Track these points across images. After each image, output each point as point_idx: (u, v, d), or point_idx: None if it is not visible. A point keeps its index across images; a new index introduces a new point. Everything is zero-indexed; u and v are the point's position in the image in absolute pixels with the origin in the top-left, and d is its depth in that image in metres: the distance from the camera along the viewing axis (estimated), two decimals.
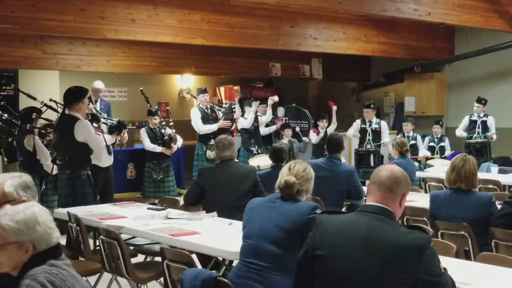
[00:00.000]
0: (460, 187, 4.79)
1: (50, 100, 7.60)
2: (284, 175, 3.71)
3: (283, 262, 3.48)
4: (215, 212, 5.14)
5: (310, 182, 3.78)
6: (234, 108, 9.86)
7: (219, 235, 4.43)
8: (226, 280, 3.34)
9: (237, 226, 4.65)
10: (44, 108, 7.60)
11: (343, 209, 6.31)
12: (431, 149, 10.76)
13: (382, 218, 2.77)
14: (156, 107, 9.96)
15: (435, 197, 4.98)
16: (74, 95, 6.36)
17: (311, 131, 11.57)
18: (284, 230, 3.55)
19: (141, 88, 9.32)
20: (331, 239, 2.82)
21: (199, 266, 4.23)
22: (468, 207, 4.74)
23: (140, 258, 5.53)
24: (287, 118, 12.23)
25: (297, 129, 11.91)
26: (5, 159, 7.94)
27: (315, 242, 2.87)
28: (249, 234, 3.66)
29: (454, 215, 4.77)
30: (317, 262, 2.84)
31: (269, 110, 10.81)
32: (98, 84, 9.12)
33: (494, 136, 10.18)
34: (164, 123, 9.31)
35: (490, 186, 7.27)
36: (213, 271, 4.40)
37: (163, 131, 9.23)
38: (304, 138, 11.80)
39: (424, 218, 5.30)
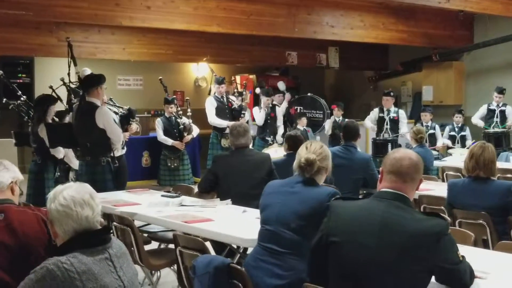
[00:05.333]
0: (478, 175, 4.69)
1: (62, 80, 7.57)
2: (303, 154, 3.66)
3: (301, 248, 3.43)
4: (229, 199, 5.09)
5: (328, 159, 3.74)
6: (244, 113, 9.78)
7: (233, 222, 4.38)
8: (239, 267, 3.30)
9: (251, 214, 4.61)
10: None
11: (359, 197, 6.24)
12: (451, 138, 10.60)
13: (399, 205, 2.72)
14: (174, 96, 9.93)
15: (453, 185, 4.89)
16: (92, 81, 6.41)
17: (326, 122, 11.47)
18: (302, 217, 3.50)
19: (160, 77, 9.29)
20: (346, 225, 2.76)
21: (213, 254, 4.18)
22: (487, 196, 4.65)
23: (153, 245, 5.51)
24: (301, 108, 12.14)
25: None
26: (14, 141, 7.95)
27: (329, 228, 2.82)
28: (267, 220, 3.61)
29: (473, 204, 4.69)
30: (332, 249, 2.78)
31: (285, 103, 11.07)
32: (87, 71, 9.02)
33: None
34: (181, 112, 9.26)
35: (509, 175, 7.16)
36: (228, 258, 4.37)
37: (179, 120, 9.20)
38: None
39: (442, 207, 5.20)
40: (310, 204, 3.51)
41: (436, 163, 8.31)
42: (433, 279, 2.69)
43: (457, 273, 2.67)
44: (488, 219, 4.59)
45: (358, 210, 2.80)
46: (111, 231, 3.04)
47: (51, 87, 7.67)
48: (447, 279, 2.70)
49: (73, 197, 2.49)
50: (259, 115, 10.37)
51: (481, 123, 10.37)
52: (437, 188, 5.96)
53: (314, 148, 3.69)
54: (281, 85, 11.88)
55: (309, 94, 12.39)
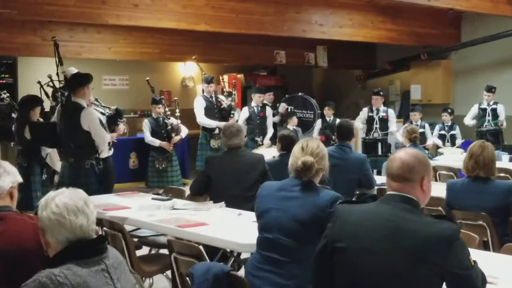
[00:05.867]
0: (478, 175, 4.61)
1: (49, 76, 7.38)
2: (299, 156, 3.46)
3: (302, 255, 3.29)
4: (223, 202, 4.96)
5: (325, 159, 3.55)
6: (234, 113, 9.63)
7: (229, 226, 4.26)
8: (239, 275, 3.16)
9: (246, 217, 4.49)
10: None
11: (354, 199, 6.13)
12: (442, 137, 10.57)
13: (407, 207, 2.59)
14: (162, 96, 9.78)
15: (452, 186, 4.80)
16: (79, 80, 6.26)
17: (317, 122, 11.39)
18: (302, 224, 3.34)
19: (147, 78, 9.14)
20: (352, 231, 2.63)
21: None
22: (487, 196, 4.58)
23: (144, 250, 5.36)
24: (292, 107, 12.03)
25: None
26: None
27: (334, 234, 2.69)
28: (265, 227, 3.46)
29: (472, 204, 4.61)
30: (338, 255, 2.65)
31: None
32: (73, 70, 8.84)
33: (504, 123, 10.04)
34: (169, 113, 9.11)
35: (502, 174, 7.07)
36: (221, 262, 4.24)
37: (166, 121, 9.05)
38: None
39: (439, 208, 5.10)
40: (311, 210, 3.34)
41: None
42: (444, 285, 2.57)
43: (469, 279, 2.54)
44: (489, 220, 4.51)
45: (364, 214, 2.67)
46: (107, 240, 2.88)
47: (39, 82, 7.49)
48: (458, 285, 2.57)
49: (66, 204, 2.33)
50: (242, 115, 10.23)
51: (473, 122, 10.33)
52: (433, 188, 5.83)
53: (311, 149, 3.49)
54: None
55: (300, 93, 12.28)
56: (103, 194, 5.92)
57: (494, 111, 10.13)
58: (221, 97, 9.75)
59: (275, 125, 11.09)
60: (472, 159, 4.64)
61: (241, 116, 10.11)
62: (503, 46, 11.50)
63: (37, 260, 2.70)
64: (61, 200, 2.33)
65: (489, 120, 10.10)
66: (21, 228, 2.82)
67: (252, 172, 5.24)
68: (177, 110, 9.17)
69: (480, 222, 4.52)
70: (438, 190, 5.57)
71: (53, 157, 7.19)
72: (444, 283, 2.55)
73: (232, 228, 4.21)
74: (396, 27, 11.33)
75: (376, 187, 6.02)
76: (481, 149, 4.63)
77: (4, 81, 10.85)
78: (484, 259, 3.25)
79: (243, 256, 4.51)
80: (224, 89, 10.45)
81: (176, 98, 9.64)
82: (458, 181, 4.92)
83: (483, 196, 4.58)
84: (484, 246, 4.48)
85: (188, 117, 9.93)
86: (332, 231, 2.71)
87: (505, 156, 8.68)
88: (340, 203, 2.85)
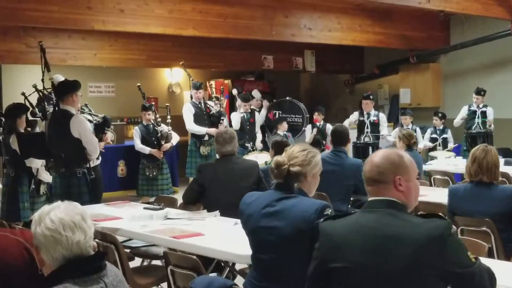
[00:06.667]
0: (481, 180, 4.48)
1: (34, 86, 7.18)
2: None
3: (297, 271, 3.06)
4: (217, 211, 4.80)
5: (308, 166, 3.24)
6: (223, 119, 9.48)
7: (226, 237, 4.10)
8: None
9: None
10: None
11: (349, 205, 5.99)
12: (433, 141, 10.52)
13: (391, 212, 2.45)
14: (153, 102, 9.62)
15: (455, 191, 4.66)
16: (66, 87, 6.10)
17: (307, 127, 11.29)
18: (290, 240, 3.11)
19: (138, 84, 8.98)
20: (340, 248, 2.46)
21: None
22: (491, 201, 4.44)
23: (136, 261, 5.18)
24: (280, 112, 11.91)
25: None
26: None
27: (323, 255, 2.51)
28: (257, 248, 3.26)
29: (476, 210, 4.47)
30: (333, 276, 2.47)
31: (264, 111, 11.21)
32: (60, 78, 8.64)
33: (492, 125, 9.98)
34: (160, 119, 8.93)
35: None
36: (215, 273, 4.09)
37: (157, 128, 8.88)
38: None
39: (440, 214, 4.96)
40: (296, 225, 3.08)
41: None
42: None
43: (473, 277, 2.36)
44: (493, 226, 4.37)
45: (349, 228, 2.49)
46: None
47: (23, 93, 7.29)
48: (463, 285, 2.39)
49: (62, 219, 2.15)
50: (235, 119, 10.13)
51: (461, 122, 10.28)
52: (430, 194, 5.73)
53: (291, 151, 3.26)
54: (256, 94, 11.63)
55: (288, 98, 12.16)
56: (92, 204, 5.76)
57: (483, 114, 10.09)
58: (210, 103, 9.59)
59: (262, 128, 11.04)
60: (475, 163, 4.50)
61: (234, 119, 10.00)
62: (492, 48, 11.44)
63: (22, 278, 2.53)
64: (57, 215, 2.16)
65: (478, 122, 10.05)
66: (3, 243, 2.64)
67: (246, 180, 5.09)
68: (169, 117, 9.00)
69: (484, 228, 4.39)
70: (435, 195, 5.47)
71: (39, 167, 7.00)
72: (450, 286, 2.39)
73: (229, 238, 4.04)
74: (384, 30, 11.28)
75: None
76: (485, 153, 4.51)
77: None
78: (495, 268, 3.11)
79: (237, 266, 4.36)
80: (212, 95, 10.28)
81: (167, 104, 9.45)
82: (460, 186, 4.78)
83: (487, 202, 4.44)
84: (488, 253, 4.35)
85: (175, 123, 9.77)
86: (320, 252, 2.54)
87: (500, 160, 8.56)
88: (324, 220, 2.63)
